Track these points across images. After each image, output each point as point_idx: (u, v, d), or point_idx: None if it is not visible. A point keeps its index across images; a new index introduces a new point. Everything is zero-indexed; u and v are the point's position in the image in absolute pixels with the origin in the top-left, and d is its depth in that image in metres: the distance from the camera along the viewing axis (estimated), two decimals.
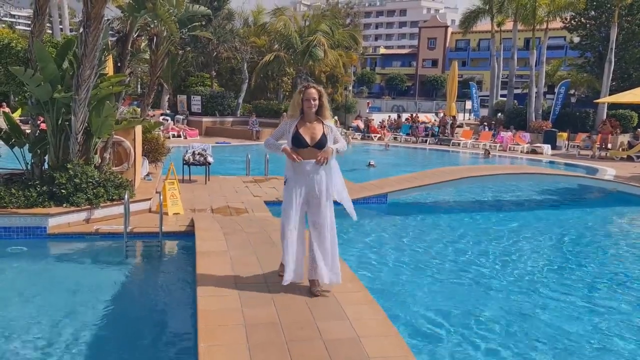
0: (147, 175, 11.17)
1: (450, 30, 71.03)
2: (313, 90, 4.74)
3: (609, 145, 23.36)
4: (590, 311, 6.27)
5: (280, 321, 4.31)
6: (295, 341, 3.99)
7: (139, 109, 12.57)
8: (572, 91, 31.07)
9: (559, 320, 5.92)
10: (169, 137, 22.17)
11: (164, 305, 6.14)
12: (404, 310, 5.99)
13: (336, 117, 30.91)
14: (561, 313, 6.15)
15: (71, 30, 25.40)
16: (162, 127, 17.66)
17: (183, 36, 25.16)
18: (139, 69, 25.51)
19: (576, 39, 32.24)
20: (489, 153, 21.78)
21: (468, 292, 6.75)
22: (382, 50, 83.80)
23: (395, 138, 27.44)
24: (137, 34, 9.97)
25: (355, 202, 10.62)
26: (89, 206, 8.19)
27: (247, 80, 29.73)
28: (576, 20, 29.89)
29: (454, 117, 27.29)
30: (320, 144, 4.72)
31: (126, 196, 7.59)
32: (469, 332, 5.54)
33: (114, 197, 8.51)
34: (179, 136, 24.16)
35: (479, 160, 20.95)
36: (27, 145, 8.74)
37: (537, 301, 6.48)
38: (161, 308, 6.06)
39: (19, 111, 20.92)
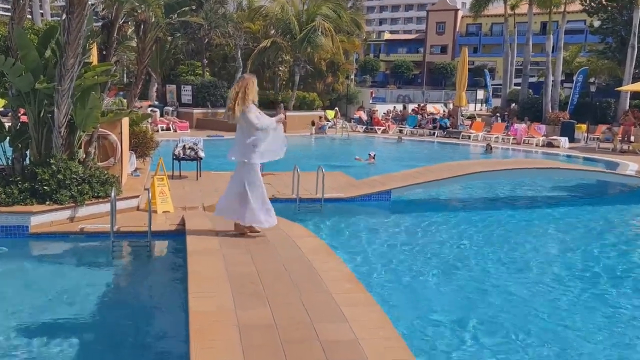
0: (135, 171, 11.29)
1: (460, 13, 70.97)
2: None
3: (632, 138, 23.43)
4: (612, 312, 6.40)
5: (276, 322, 4.44)
6: (291, 343, 4.11)
7: (126, 100, 12.67)
8: (591, 79, 31.04)
9: (579, 324, 6.02)
10: (157, 130, 22.33)
11: (153, 307, 6.27)
12: (406, 312, 6.11)
13: (337, 108, 31.05)
14: (581, 315, 6.27)
15: (52, 16, 25.48)
16: (150, 120, 17.78)
17: (172, 21, 25.34)
18: (126, 57, 25.63)
19: (597, 23, 32.27)
20: (491, 148, 21.81)
21: (475, 295, 6.86)
22: (387, 36, 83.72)
23: (400, 131, 27.52)
24: (123, 20, 10.06)
25: (356, 199, 10.88)
26: (73, 204, 8.29)
27: (241, 69, 29.77)
28: (596, 2, 29.91)
29: (460, 107, 27.31)
30: None
31: (112, 193, 7.70)
32: (474, 336, 5.65)
33: (99, 194, 8.61)
34: (168, 129, 24.26)
35: (482, 155, 20.93)
36: (8, 139, 8.85)
37: (552, 304, 6.58)
38: (151, 310, 6.19)
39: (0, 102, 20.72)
